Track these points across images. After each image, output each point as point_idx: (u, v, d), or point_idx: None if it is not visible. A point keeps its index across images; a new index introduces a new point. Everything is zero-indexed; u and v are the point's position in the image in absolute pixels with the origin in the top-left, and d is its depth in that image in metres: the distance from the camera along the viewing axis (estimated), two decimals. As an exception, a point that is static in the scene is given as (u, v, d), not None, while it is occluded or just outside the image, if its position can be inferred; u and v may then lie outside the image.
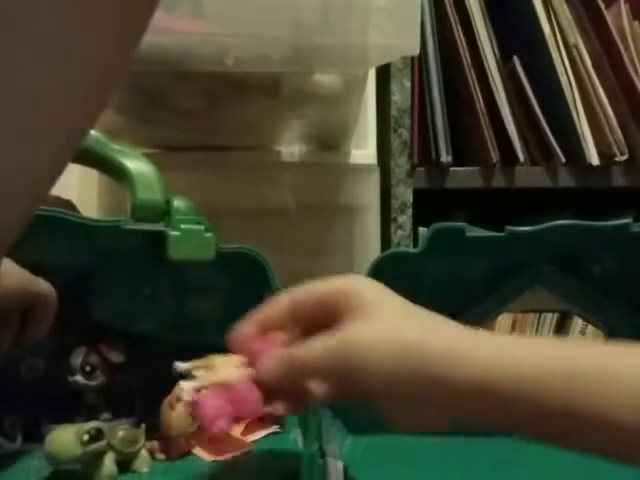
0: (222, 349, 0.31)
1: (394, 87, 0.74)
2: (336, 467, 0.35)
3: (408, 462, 0.38)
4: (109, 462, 0.33)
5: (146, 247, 0.39)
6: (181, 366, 0.30)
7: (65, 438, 0.31)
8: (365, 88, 0.63)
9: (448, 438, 0.40)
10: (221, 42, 0.47)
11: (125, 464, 0.34)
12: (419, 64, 0.75)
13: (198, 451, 0.37)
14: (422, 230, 0.73)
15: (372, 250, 0.67)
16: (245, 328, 0.30)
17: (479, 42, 0.76)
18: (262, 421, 0.41)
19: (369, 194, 0.68)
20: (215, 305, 0.42)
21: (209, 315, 0.42)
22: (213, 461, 0.37)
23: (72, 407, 0.38)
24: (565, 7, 0.77)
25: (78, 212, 0.41)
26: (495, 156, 0.75)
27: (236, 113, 0.56)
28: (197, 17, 0.49)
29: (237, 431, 0.39)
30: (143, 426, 0.36)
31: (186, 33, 0.47)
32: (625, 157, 0.77)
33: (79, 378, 0.38)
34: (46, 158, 0.21)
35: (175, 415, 0.36)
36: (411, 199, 0.76)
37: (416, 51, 0.46)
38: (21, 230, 0.21)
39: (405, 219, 0.75)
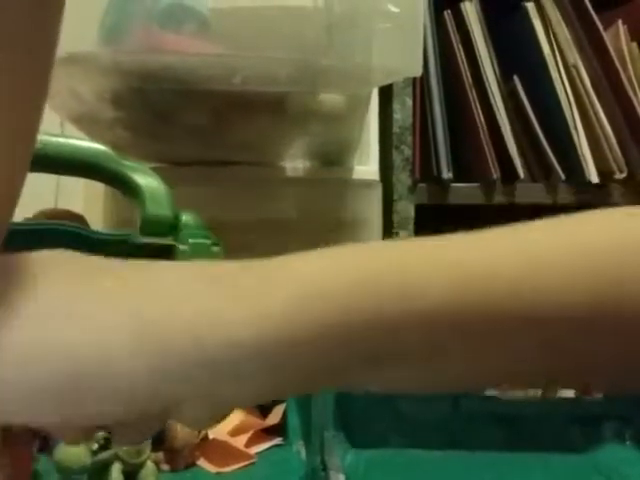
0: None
1: (396, 105, 0.76)
2: (338, 480, 0.36)
3: (410, 475, 0.38)
4: (116, 473, 0.33)
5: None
6: None
7: (75, 447, 0.31)
8: (368, 106, 0.64)
9: (450, 452, 0.40)
10: (228, 62, 0.49)
11: (131, 475, 0.35)
12: (421, 83, 0.77)
13: (203, 462, 0.38)
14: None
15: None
16: None
17: (480, 62, 0.78)
18: (266, 433, 0.41)
19: (371, 209, 0.69)
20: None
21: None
22: (217, 473, 0.37)
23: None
24: (564, 28, 0.78)
25: (88, 226, 0.41)
26: (495, 173, 0.76)
27: (242, 130, 0.57)
28: (204, 38, 0.50)
29: (241, 443, 0.39)
30: (149, 437, 0.36)
31: (194, 54, 0.48)
32: (624, 175, 0.78)
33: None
34: None
35: (180, 427, 0.37)
36: (413, 214, 0.77)
37: (419, 72, 0.47)
38: None
39: (406, 234, 0.76)
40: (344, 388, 0.22)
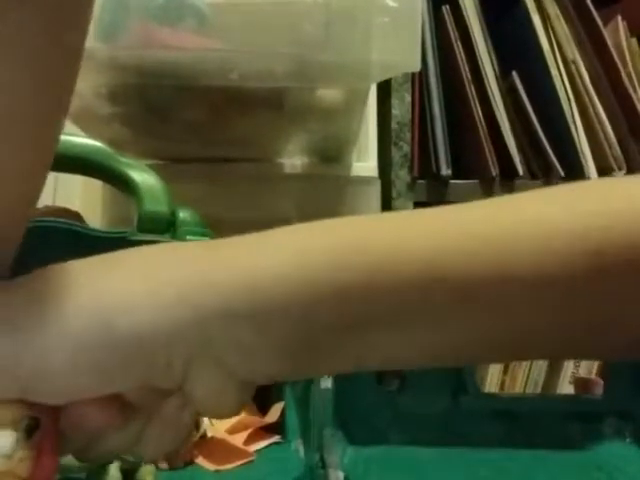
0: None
1: (395, 101, 0.75)
2: (337, 477, 0.35)
3: (408, 473, 0.38)
4: (114, 471, 0.33)
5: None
6: None
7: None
8: (367, 102, 0.64)
9: (449, 449, 0.40)
10: (225, 57, 0.48)
11: (129, 473, 0.35)
12: (419, 78, 0.76)
13: (201, 461, 0.38)
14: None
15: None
16: None
17: (479, 57, 0.77)
18: (264, 431, 0.41)
19: (370, 206, 0.68)
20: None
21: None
22: (216, 471, 0.37)
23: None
24: (563, 23, 0.78)
25: (85, 223, 0.41)
26: (495, 169, 0.76)
27: (240, 126, 0.57)
28: (202, 33, 0.50)
29: (239, 440, 0.39)
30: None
31: (191, 49, 0.48)
32: (623, 171, 0.78)
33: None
34: None
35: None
36: (411, 211, 0.77)
37: (417, 67, 0.47)
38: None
39: (405, 231, 0.76)
40: (345, 368, 0.22)
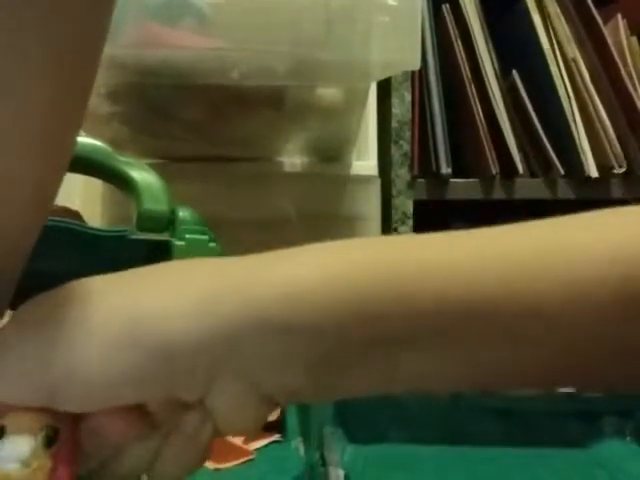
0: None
1: (395, 100, 0.75)
2: (337, 475, 0.35)
3: (409, 471, 0.38)
4: (113, 469, 0.33)
5: (151, 257, 0.40)
6: None
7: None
8: (366, 101, 0.64)
9: (449, 447, 0.40)
10: (226, 56, 0.48)
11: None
12: (419, 77, 0.76)
13: (201, 459, 0.38)
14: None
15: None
16: None
17: (479, 56, 0.77)
18: (264, 429, 0.41)
19: (370, 205, 0.68)
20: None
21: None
22: (215, 469, 0.37)
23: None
24: (563, 22, 0.78)
25: (84, 222, 0.41)
26: (495, 168, 0.76)
27: (240, 125, 0.57)
28: (202, 32, 0.50)
29: (239, 439, 0.39)
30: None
31: (192, 48, 0.48)
32: (623, 169, 0.78)
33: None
34: None
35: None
36: (411, 210, 0.77)
37: (417, 66, 0.47)
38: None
39: (405, 230, 0.76)
40: (370, 388, 0.21)
